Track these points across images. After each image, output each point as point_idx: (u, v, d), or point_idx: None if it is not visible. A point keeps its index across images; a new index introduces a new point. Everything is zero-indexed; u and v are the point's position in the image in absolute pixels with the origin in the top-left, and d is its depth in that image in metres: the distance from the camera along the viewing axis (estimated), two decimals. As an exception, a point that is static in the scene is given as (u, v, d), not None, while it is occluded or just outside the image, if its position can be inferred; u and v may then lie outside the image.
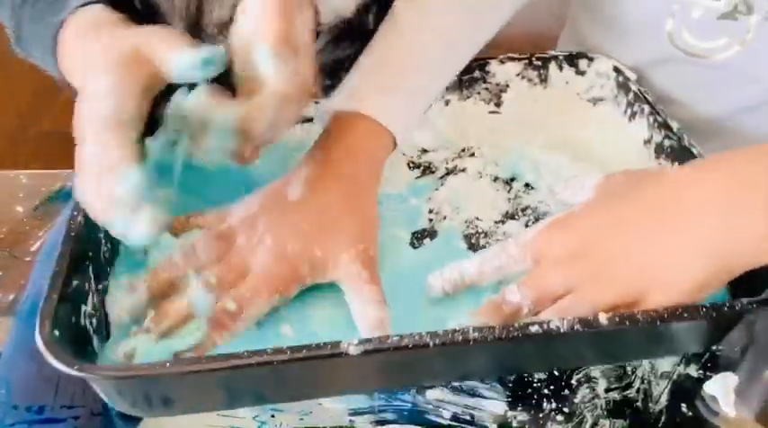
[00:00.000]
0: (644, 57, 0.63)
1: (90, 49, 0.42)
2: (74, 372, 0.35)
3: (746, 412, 0.45)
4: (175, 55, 0.38)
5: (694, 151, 0.52)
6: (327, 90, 0.61)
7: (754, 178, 0.39)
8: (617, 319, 0.38)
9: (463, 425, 0.44)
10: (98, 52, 0.40)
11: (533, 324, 0.38)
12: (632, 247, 0.41)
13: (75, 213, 0.45)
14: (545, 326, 0.38)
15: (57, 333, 0.37)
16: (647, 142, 0.58)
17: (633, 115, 0.60)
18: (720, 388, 0.45)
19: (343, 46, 0.71)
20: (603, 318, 0.38)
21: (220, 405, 0.43)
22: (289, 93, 0.38)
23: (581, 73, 0.64)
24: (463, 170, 0.59)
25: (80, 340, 0.41)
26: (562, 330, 0.38)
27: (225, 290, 0.43)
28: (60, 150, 0.49)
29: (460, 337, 0.37)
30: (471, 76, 0.63)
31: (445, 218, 0.55)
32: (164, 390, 0.39)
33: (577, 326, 0.38)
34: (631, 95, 0.60)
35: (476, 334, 0.37)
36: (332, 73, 0.59)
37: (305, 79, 0.40)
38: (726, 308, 0.40)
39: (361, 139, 0.50)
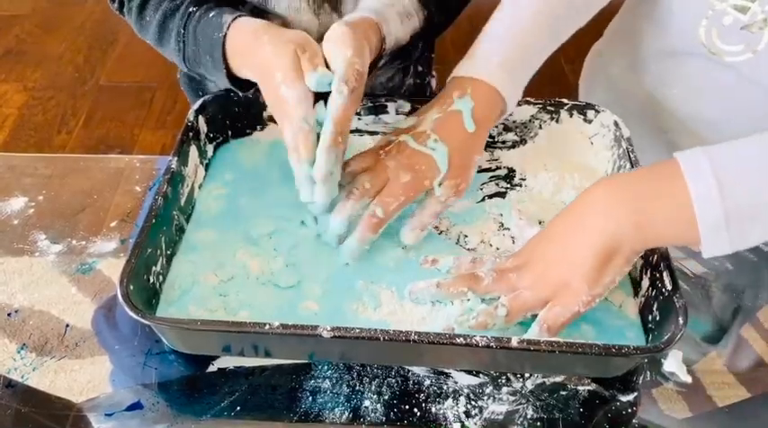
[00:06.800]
0: (672, 47, 0.76)
1: (260, 51, 0.63)
2: (138, 319, 0.52)
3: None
4: (307, 75, 0.61)
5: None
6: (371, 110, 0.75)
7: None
8: (525, 343, 0.51)
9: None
10: (270, 53, 0.62)
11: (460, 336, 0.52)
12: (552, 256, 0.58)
13: (156, 198, 0.61)
14: (469, 340, 0.51)
15: (131, 287, 0.54)
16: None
17: (618, 169, 0.70)
18: (675, 364, 0.59)
19: (386, 68, 0.84)
20: (514, 342, 0.51)
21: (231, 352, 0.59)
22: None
23: (588, 121, 0.74)
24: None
25: (148, 293, 0.58)
26: (480, 345, 0.51)
27: (371, 195, 0.63)
28: (113, 103, 0.67)
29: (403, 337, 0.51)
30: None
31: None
32: (192, 337, 0.56)
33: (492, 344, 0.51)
34: (621, 150, 0.70)
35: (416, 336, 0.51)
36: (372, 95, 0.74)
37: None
38: (613, 350, 0.52)
39: (480, 103, 0.65)
